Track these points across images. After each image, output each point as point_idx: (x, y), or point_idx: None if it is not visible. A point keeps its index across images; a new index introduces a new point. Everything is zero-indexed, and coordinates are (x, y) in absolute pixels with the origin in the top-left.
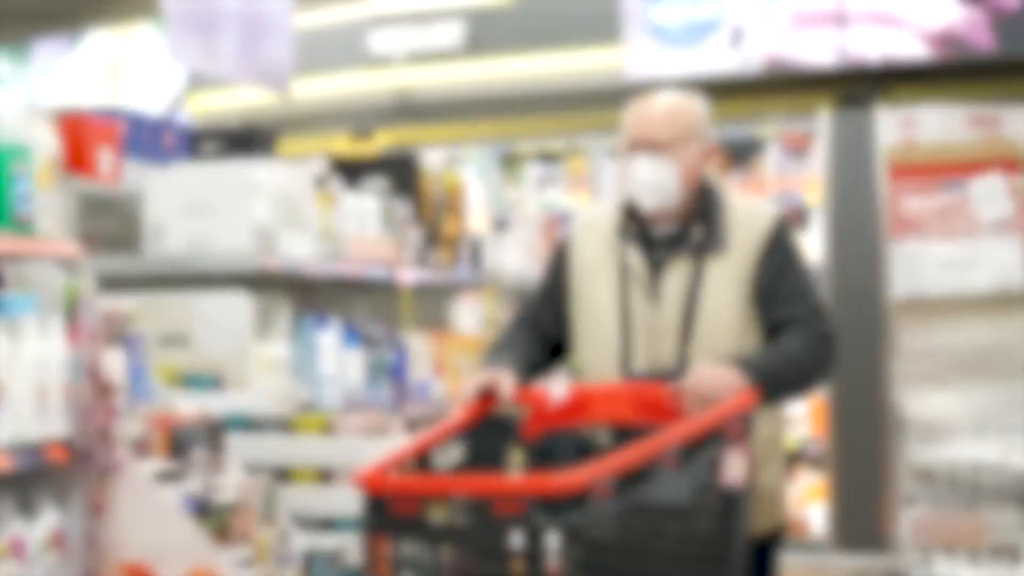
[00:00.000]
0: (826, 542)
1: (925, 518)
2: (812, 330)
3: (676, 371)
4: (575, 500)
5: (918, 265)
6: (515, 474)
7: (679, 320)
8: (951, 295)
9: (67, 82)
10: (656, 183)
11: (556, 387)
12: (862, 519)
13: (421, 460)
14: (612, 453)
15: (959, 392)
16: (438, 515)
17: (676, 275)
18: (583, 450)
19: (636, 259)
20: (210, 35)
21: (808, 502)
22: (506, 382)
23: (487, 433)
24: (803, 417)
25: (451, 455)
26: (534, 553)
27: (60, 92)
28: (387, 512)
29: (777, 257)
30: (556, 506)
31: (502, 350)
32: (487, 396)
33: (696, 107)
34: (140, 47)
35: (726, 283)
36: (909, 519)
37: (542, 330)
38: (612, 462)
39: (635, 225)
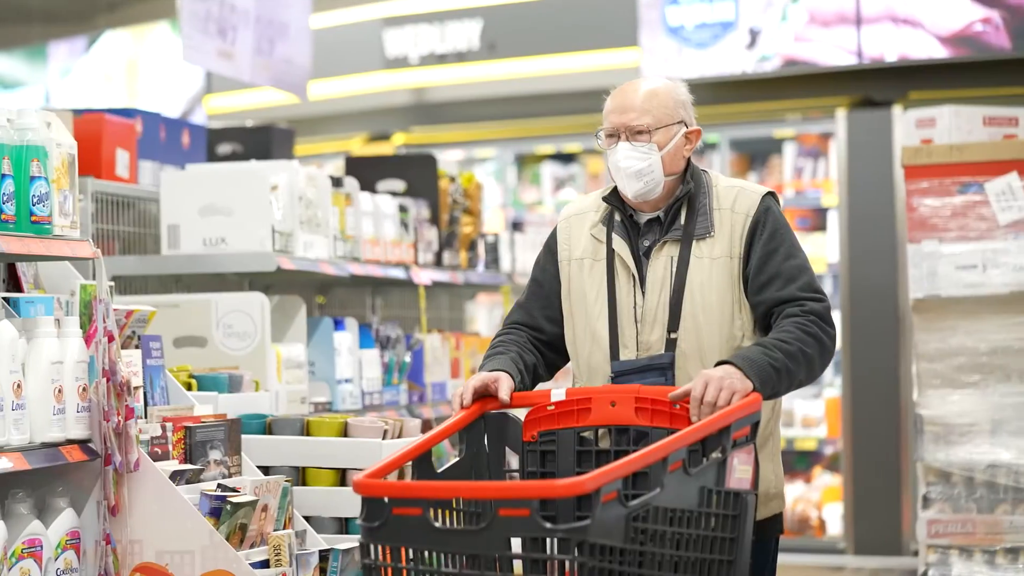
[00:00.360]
0: (843, 543)
1: (942, 519)
2: (808, 313)
3: (666, 358)
4: (580, 504)
5: (935, 266)
6: (516, 476)
7: (667, 306)
8: (968, 296)
9: (84, 83)
10: (638, 170)
11: (556, 388)
12: (879, 520)
13: (423, 462)
14: (614, 455)
15: (976, 393)
16: (440, 518)
17: (663, 261)
18: (584, 452)
19: (622, 246)
20: (226, 38)
21: (825, 503)
22: (504, 383)
23: (486, 434)
24: (820, 418)
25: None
26: (538, 558)
27: (77, 93)
28: (387, 515)
29: (764, 237)
30: (560, 510)
31: (499, 351)
32: (484, 397)
33: (676, 91)
34: (157, 48)
35: (714, 267)
36: (925, 520)
37: (538, 329)
38: (618, 466)
39: (620, 212)
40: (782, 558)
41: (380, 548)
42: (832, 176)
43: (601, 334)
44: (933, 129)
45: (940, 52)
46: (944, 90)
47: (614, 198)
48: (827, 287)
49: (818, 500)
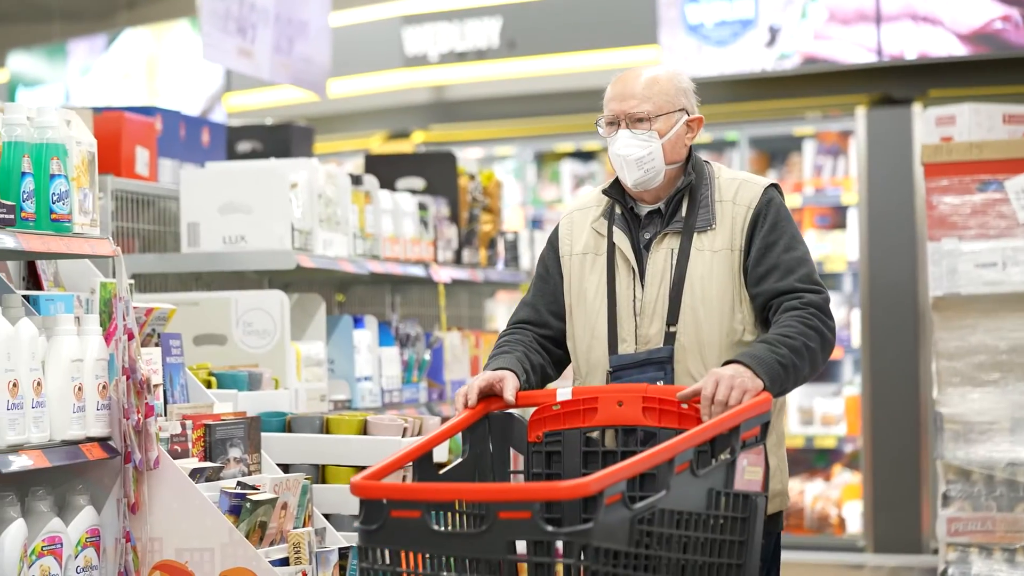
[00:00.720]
0: (862, 541)
1: (961, 517)
2: (807, 305)
3: (665, 352)
4: (586, 506)
5: (955, 264)
6: (520, 478)
7: (666, 299)
8: (988, 294)
9: (104, 81)
10: (639, 158)
11: (562, 387)
12: (898, 518)
13: (424, 463)
14: (622, 456)
15: (996, 391)
16: (443, 520)
17: (663, 253)
18: (590, 453)
19: (622, 239)
20: (246, 36)
21: (844, 501)
22: (509, 382)
23: (491, 435)
24: (840, 416)
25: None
26: (539, 561)
27: (97, 91)
28: (386, 518)
29: (765, 229)
30: (566, 512)
31: (504, 350)
32: (489, 397)
33: (678, 78)
34: (176, 46)
35: (714, 260)
36: (945, 518)
37: (544, 326)
38: (623, 467)
39: (621, 205)
40: (801, 556)
41: (378, 551)
42: (852, 174)
43: (600, 328)
44: (953, 127)
45: (960, 50)
46: (964, 88)
47: (614, 190)
48: (847, 285)
49: (838, 498)
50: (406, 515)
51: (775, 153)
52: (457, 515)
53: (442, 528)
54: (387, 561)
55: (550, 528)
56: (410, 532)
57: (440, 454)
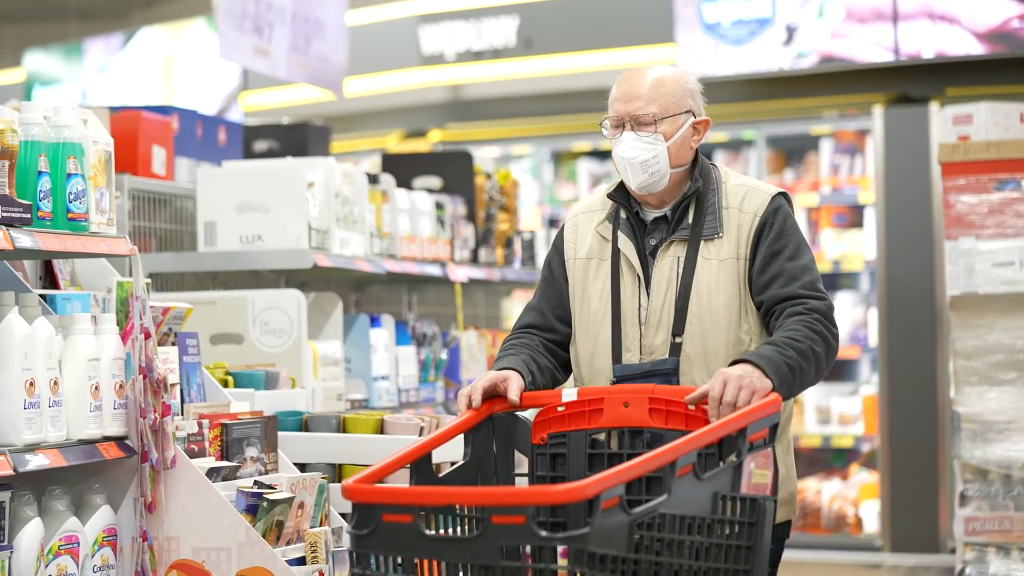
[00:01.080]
0: (879, 540)
1: (979, 516)
2: (811, 311)
3: (670, 363)
4: (588, 510)
5: (972, 263)
6: (520, 481)
7: (672, 309)
8: (1005, 293)
9: (120, 80)
10: (643, 160)
11: (567, 388)
12: (916, 517)
13: (423, 466)
14: (626, 459)
15: (1013, 390)
16: (444, 524)
17: (669, 261)
18: (596, 455)
19: (627, 245)
20: (262, 35)
21: (862, 500)
22: (513, 382)
23: (495, 436)
24: (857, 415)
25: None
26: (536, 568)
27: (113, 90)
28: (378, 522)
29: (771, 237)
30: (571, 516)
31: (510, 352)
32: (493, 398)
33: (684, 79)
34: (193, 45)
35: (721, 268)
36: (963, 517)
37: (550, 330)
38: (621, 471)
39: (626, 209)
40: (819, 556)
41: (371, 556)
42: (869, 173)
43: (604, 336)
44: (970, 126)
45: (977, 49)
46: (981, 87)
47: (619, 194)
48: (864, 284)
49: (855, 497)
50: (398, 519)
51: (792, 152)
52: (460, 520)
53: (437, 533)
54: (380, 567)
55: (544, 533)
56: (402, 537)
57: (455, 454)
